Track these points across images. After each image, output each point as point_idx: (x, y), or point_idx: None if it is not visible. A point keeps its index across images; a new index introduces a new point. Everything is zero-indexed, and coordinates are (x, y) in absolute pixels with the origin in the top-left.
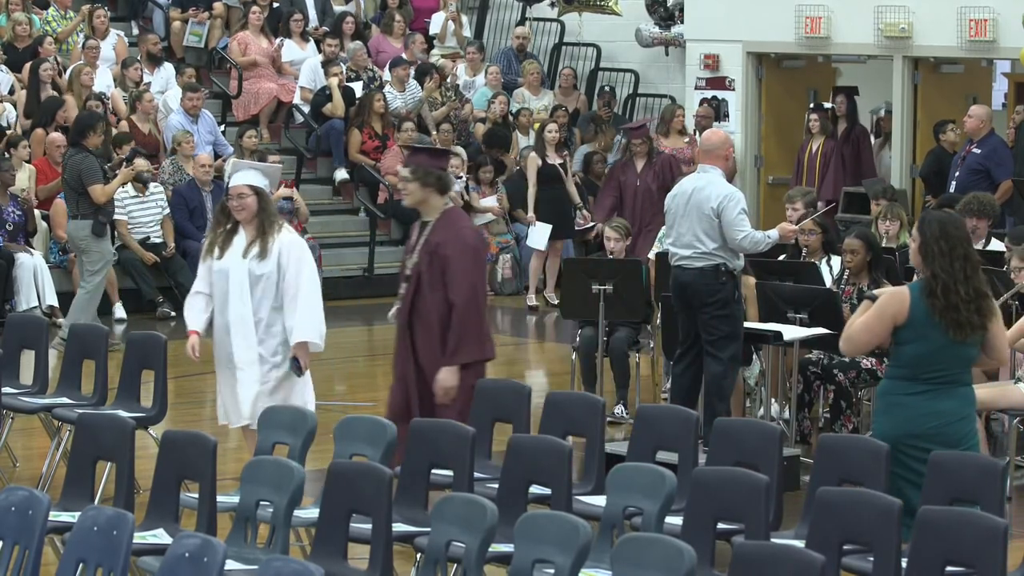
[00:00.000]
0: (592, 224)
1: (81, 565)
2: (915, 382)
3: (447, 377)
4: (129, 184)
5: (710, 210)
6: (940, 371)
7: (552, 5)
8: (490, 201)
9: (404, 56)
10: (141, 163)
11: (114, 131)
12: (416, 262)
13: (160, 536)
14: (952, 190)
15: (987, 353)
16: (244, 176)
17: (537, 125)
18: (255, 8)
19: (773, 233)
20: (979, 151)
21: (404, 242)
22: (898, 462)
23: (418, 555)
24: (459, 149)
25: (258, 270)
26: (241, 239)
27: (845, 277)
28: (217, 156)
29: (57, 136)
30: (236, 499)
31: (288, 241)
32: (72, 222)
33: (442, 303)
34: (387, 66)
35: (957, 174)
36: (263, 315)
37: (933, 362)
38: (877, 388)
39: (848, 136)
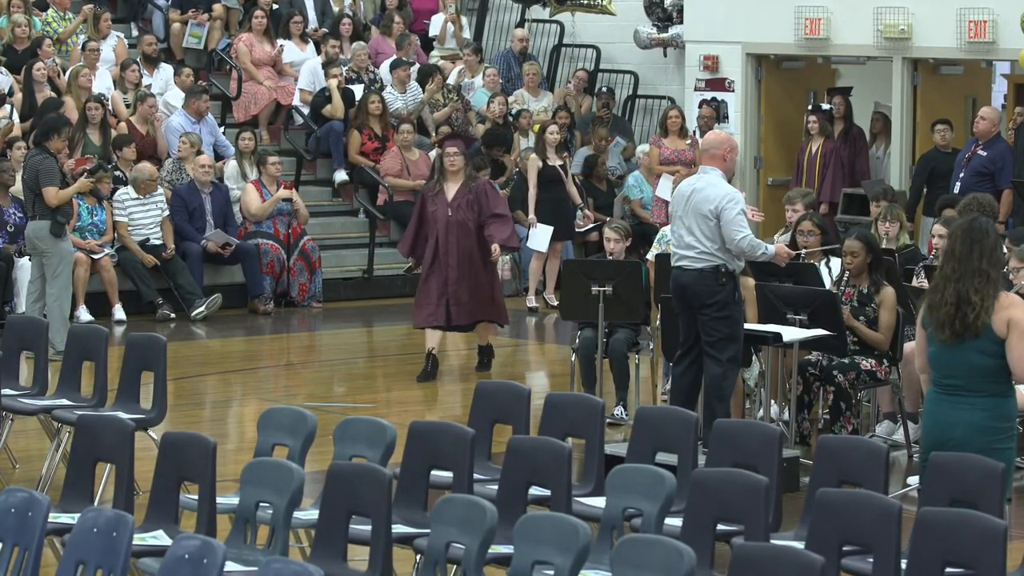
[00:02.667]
0: (592, 225)
1: (81, 567)
2: (935, 387)
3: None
4: (142, 189)
5: (709, 211)
6: (948, 377)
7: (544, 5)
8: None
9: (402, 57)
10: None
11: (113, 132)
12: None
13: (160, 538)
14: (956, 191)
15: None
16: None
17: (537, 127)
18: (259, 12)
19: (771, 249)
20: (984, 153)
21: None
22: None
23: (418, 556)
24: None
25: None
26: None
27: (845, 279)
28: (219, 157)
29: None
30: (236, 500)
31: None
32: (31, 223)
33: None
34: (386, 67)
35: (961, 175)
36: None
37: (939, 367)
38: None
39: (846, 137)
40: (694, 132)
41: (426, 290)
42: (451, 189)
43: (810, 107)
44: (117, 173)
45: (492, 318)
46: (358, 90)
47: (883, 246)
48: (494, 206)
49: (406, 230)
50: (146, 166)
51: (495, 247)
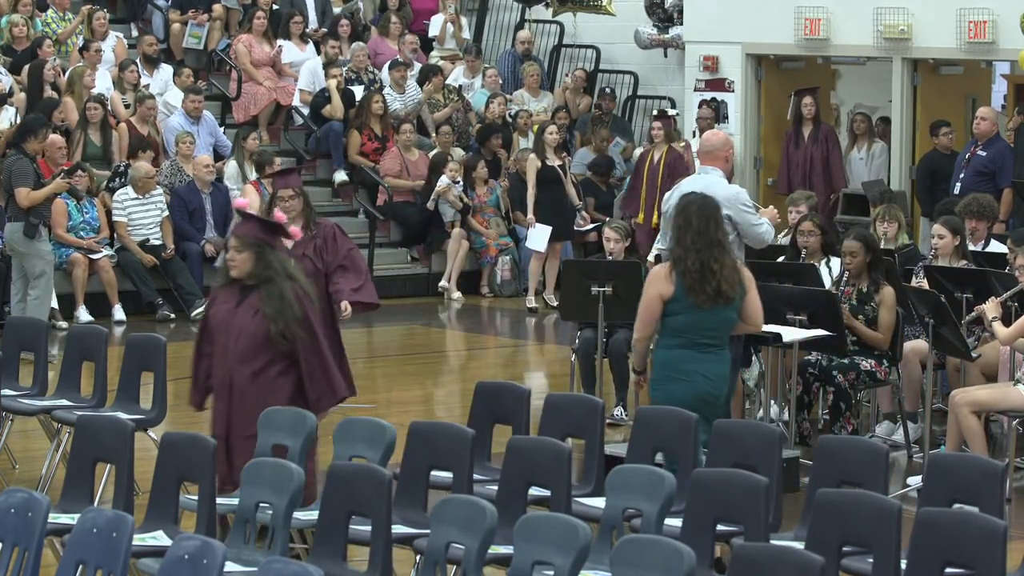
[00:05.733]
0: (593, 226)
1: (81, 567)
2: (687, 348)
3: None
4: (123, 191)
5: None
6: (705, 337)
7: (547, 6)
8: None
9: (399, 58)
10: (81, 180)
11: (114, 133)
12: None
13: (160, 538)
14: (956, 192)
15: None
16: None
17: (536, 127)
18: (259, 12)
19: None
20: (984, 153)
21: (404, 243)
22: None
23: (418, 557)
24: (457, 151)
25: None
26: None
27: (844, 279)
28: (218, 157)
29: (56, 138)
30: (235, 501)
31: None
32: (7, 225)
33: None
34: (386, 67)
35: (962, 176)
36: None
37: (694, 329)
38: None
39: (815, 138)
40: (694, 133)
41: None
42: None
43: (655, 112)
44: (131, 171)
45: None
46: (358, 90)
47: (882, 246)
48: (343, 253)
49: None
50: (143, 165)
51: (344, 304)
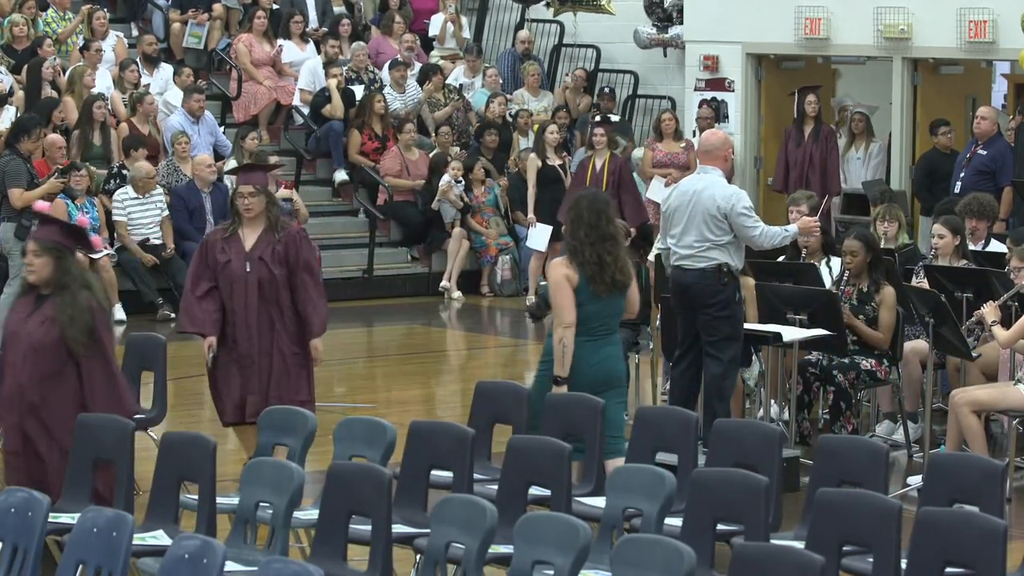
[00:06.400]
0: None
1: (81, 566)
2: (587, 337)
3: None
4: (135, 189)
5: (716, 211)
6: (602, 325)
7: (547, 5)
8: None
9: (399, 57)
10: (82, 179)
11: (114, 132)
12: None
13: (160, 537)
14: (957, 191)
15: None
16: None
17: (536, 127)
18: (260, 12)
19: (792, 228)
20: (985, 152)
21: (404, 243)
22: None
23: (418, 556)
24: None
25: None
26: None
27: (845, 278)
28: (218, 157)
29: (56, 137)
30: (236, 500)
31: None
32: (2, 225)
33: None
34: (386, 67)
35: (962, 175)
36: None
37: (595, 317)
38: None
39: (816, 137)
40: (694, 132)
41: (224, 375)
42: (249, 236)
43: (597, 118)
44: (125, 172)
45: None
46: (358, 90)
47: (882, 246)
48: (302, 264)
49: (183, 298)
50: (143, 164)
51: (315, 344)
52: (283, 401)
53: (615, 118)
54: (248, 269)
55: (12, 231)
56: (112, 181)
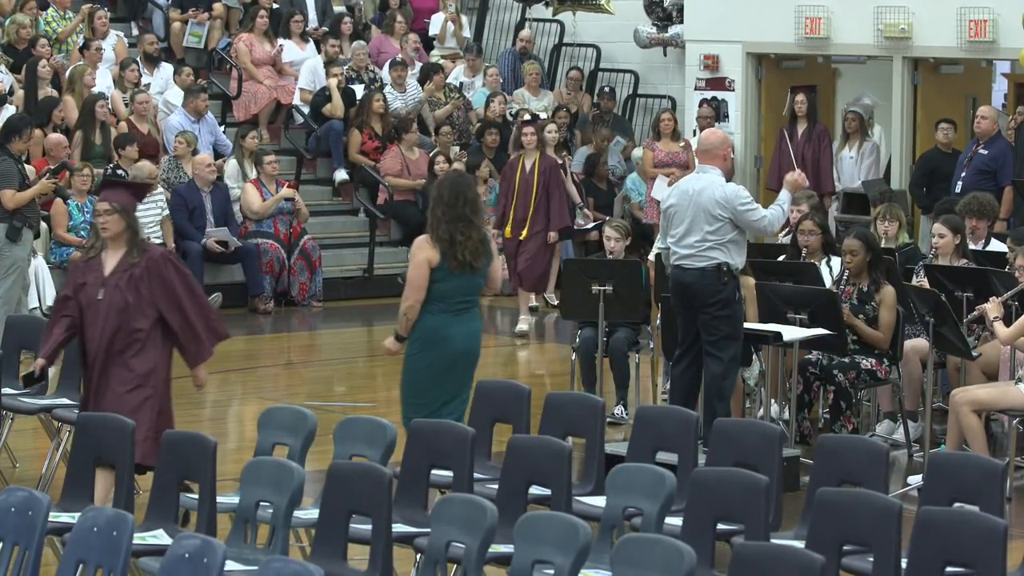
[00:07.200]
0: (593, 225)
1: (81, 566)
2: (446, 313)
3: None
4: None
5: (719, 211)
6: (461, 301)
7: (546, 4)
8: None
9: (400, 57)
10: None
11: (113, 132)
12: None
13: (160, 537)
14: (958, 191)
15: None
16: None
17: None
18: (261, 12)
19: (782, 195)
20: (986, 152)
21: (404, 243)
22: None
23: (418, 556)
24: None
25: None
26: None
27: (845, 278)
28: (218, 156)
29: (60, 137)
30: (236, 500)
31: None
32: None
33: None
34: (386, 66)
35: (963, 175)
36: None
37: (453, 294)
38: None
39: (810, 136)
40: (694, 131)
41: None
42: (110, 259)
43: (527, 117)
44: (120, 172)
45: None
46: (358, 89)
47: (882, 245)
48: (172, 294)
49: (48, 327)
50: (145, 164)
51: (196, 373)
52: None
53: (543, 116)
54: (100, 296)
55: (4, 232)
56: None
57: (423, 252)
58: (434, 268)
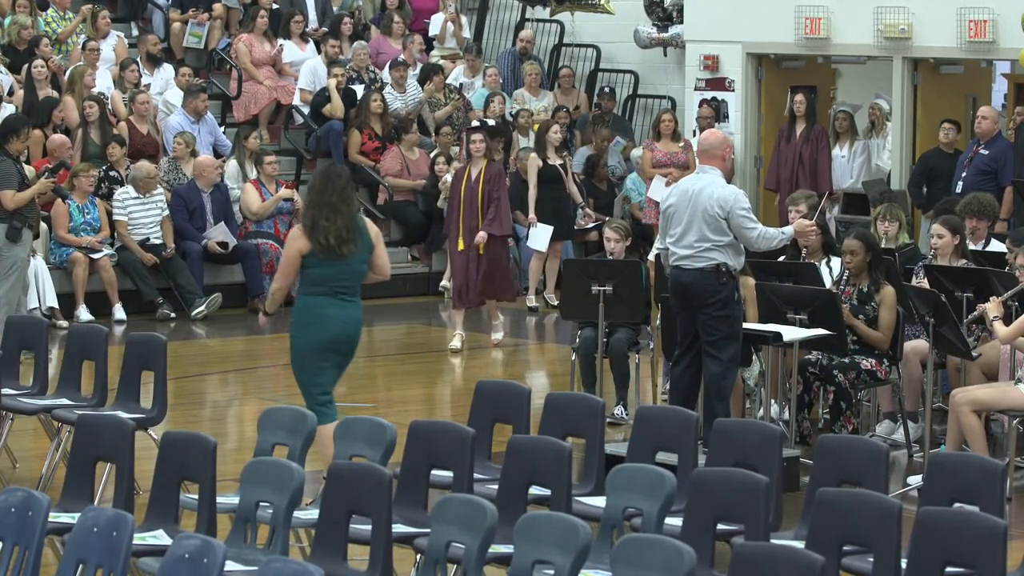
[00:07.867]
0: (594, 225)
1: (81, 566)
2: (326, 297)
3: None
4: (136, 188)
5: (717, 211)
6: (339, 285)
7: (544, 5)
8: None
9: (402, 57)
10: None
11: (113, 132)
12: None
13: (160, 537)
14: (958, 191)
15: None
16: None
17: (537, 126)
18: (261, 12)
19: (788, 229)
20: (986, 152)
21: (404, 243)
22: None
23: (418, 556)
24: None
25: None
26: None
27: (845, 278)
28: (218, 156)
29: (63, 138)
30: (236, 500)
31: None
32: None
33: None
34: (387, 67)
35: (964, 175)
36: None
37: (328, 279)
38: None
39: (808, 136)
40: (694, 132)
41: None
42: None
43: (475, 123)
44: (112, 173)
45: None
46: (358, 90)
47: (882, 245)
48: None
49: None
50: (145, 164)
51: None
52: None
53: (492, 121)
54: None
55: (4, 232)
56: (102, 185)
57: (295, 243)
58: (305, 255)
